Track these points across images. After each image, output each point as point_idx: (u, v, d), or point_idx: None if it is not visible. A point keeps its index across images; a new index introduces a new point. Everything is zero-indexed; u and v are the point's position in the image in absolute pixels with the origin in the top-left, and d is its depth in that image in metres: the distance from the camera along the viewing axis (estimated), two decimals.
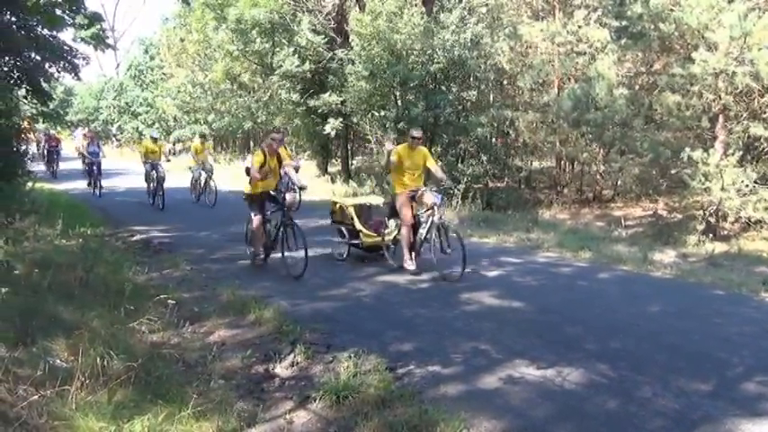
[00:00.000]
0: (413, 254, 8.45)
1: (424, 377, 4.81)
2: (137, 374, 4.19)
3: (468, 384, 4.68)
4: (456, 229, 8.63)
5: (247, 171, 8.96)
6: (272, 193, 8.85)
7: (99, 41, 11.05)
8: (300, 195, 9.57)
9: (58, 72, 12.64)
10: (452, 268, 8.05)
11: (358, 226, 9.17)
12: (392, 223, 9.06)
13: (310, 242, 8.27)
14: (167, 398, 4.11)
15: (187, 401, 3.98)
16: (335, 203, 9.81)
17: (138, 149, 19.27)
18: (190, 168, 17.52)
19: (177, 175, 20.33)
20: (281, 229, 8.52)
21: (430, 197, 8.29)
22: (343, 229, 9.42)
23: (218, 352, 5.30)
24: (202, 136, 19.68)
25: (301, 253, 8.17)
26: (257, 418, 4.15)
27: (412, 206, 8.48)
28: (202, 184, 16.58)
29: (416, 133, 8.73)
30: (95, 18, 10.73)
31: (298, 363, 5.15)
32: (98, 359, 4.20)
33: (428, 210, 8.37)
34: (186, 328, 5.99)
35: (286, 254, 8.44)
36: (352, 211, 9.32)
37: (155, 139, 16.94)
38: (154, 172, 15.73)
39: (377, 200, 10.21)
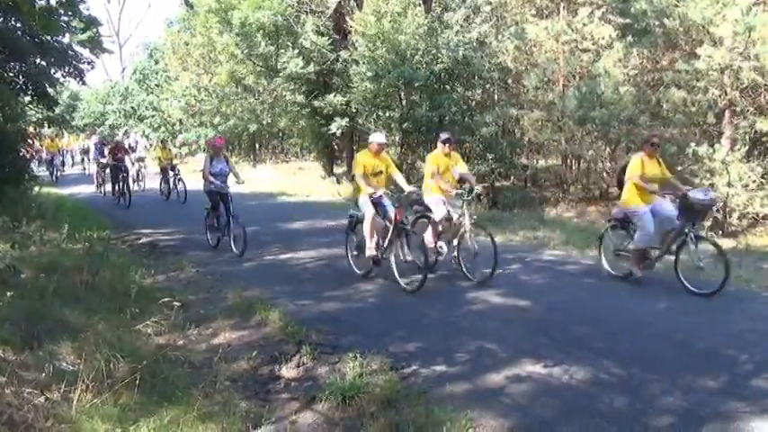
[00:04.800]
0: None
1: (430, 377, 4.80)
2: (142, 377, 4.18)
3: (475, 383, 4.66)
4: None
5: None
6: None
7: (95, 46, 11.00)
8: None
9: (64, 77, 12.69)
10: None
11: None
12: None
13: (319, 244, 8.25)
14: (173, 400, 4.11)
15: (193, 403, 3.98)
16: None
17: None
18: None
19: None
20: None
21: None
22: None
23: (223, 354, 5.29)
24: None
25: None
26: (263, 420, 4.14)
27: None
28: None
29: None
30: (91, 22, 10.69)
31: (303, 364, 5.16)
32: (104, 362, 4.22)
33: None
34: (192, 331, 5.99)
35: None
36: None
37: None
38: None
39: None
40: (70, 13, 9.80)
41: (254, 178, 22.77)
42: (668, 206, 7.60)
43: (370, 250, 7.89)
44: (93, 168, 22.13)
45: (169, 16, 55.31)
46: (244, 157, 32.58)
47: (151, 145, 35.85)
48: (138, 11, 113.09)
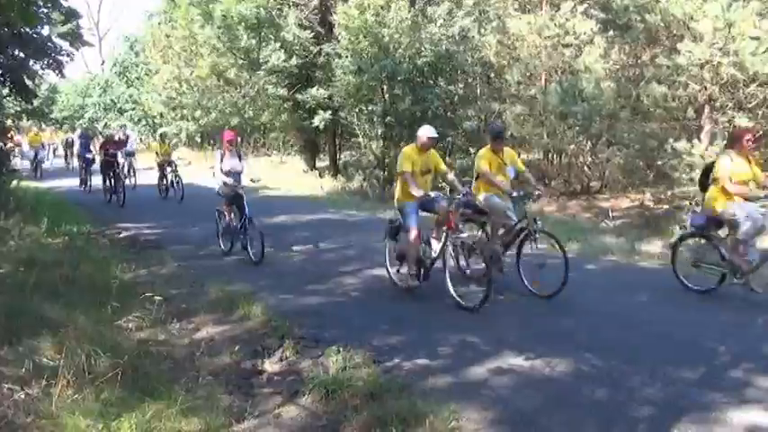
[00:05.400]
0: None
1: (413, 370, 4.81)
2: (124, 372, 4.15)
3: (457, 376, 4.68)
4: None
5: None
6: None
7: (75, 38, 10.86)
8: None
9: (42, 69, 12.55)
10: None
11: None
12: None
13: (302, 238, 8.08)
14: (155, 395, 4.08)
15: (175, 398, 3.96)
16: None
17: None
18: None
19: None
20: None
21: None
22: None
23: (206, 348, 5.28)
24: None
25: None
26: (246, 414, 4.13)
27: None
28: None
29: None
30: (71, 14, 10.55)
31: (286, 358, 5.15)
32: (84, 357, 4.17)
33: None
34: (174, 325, 5.96)
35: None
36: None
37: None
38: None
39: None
40: (50, 4, 9.68)
41: None
42: (755, 208, 6.64)
43: (412, 279, 6.96)
44: (75, 162, 21.78)
45: (149, 8, 54.75)
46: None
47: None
48: (117, 2, 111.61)
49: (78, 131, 23.09)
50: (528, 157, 20.79)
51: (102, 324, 5.31)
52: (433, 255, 6.89)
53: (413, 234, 6.77)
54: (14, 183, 12.72)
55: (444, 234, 6.72)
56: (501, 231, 7.43)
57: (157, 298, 5.72)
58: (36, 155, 23.61)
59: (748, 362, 4.84)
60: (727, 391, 4.32)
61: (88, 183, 18.26)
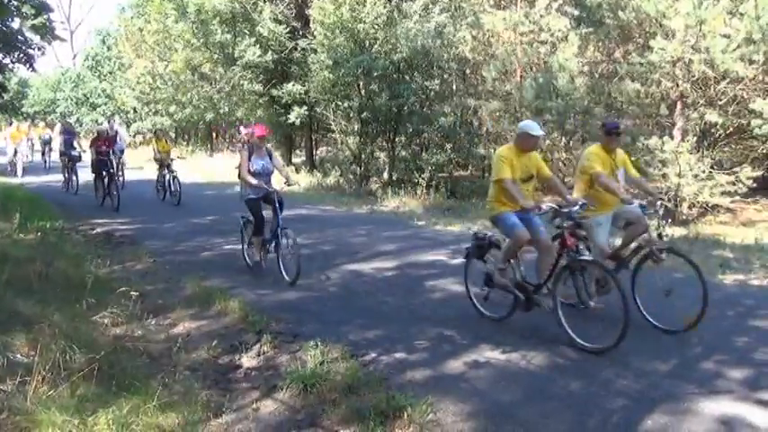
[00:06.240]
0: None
1: (391, 364, 4.84)
2: (99, 368, 4.12)
3: (434, 370, 4.72)
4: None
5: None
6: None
7: (46, 32, 10.64)
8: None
9: (12, 63, 12.32)
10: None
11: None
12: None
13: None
14: (132, 390, 4.06)
15: (152, 393, 3.94)
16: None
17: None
18: None
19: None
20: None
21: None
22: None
23: (183, 343, 5.24)
24: None
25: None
26: (224, 408, 4.13)
27: None
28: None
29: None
30: (42, 8, 10.33)
31: (264, 353, 5.14)
32: (59, 353, 4.13)
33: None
34: (150, 321, 5.92)
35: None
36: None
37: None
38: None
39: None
40: None
41: (210, 167, 22.53)
42: None
43: (519, 307, 5.65)
44: (51, 159, 20.86)
45: (122, 1, 54.07)
46: (200, 146, 32.15)
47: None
48: None
49: (59, 127, 21.34)
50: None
51: (77, 320, 5.27)
52: (538, 279, 5.59)
53: (520, 235, 5.46)
54: None
55: (556, 256, 5.45)
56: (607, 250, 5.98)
57: (133, 293, 5.68)
58: (15, 152, 21.34)
59: (721, 354, 4.93)
60: (699, 382, 4.41)
61: (74, 182, 16.48)
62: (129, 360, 4.70)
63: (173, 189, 14.27)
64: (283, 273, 7.43)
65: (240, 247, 8.32)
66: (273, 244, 7.62)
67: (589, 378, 4.51)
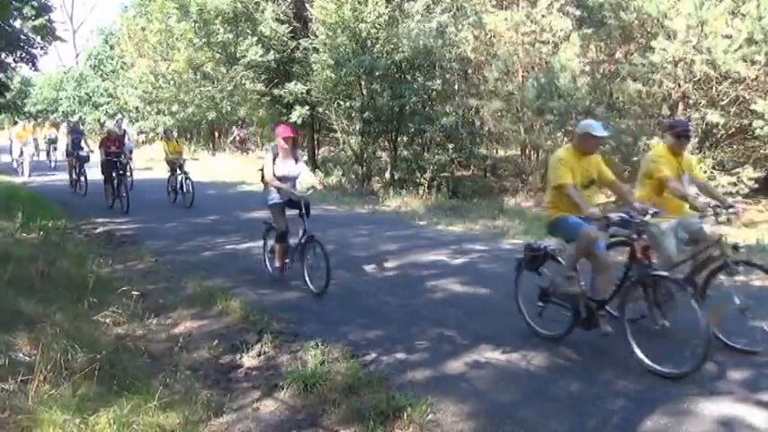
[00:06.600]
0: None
1: (391, 364, 4.85)
2: (101, 367, 4.14)
3: (435, 370, 4.73)
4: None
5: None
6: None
7: (47, 33, 10.67)
8: None
9: (15, 62, 12.37)
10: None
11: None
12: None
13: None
14: (133, 390, 4.08)
15: (153, 393, 3.95)
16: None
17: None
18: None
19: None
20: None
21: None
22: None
23: (184, 343, 5.27)
24: None
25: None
26: (224, 408, 4.14)
27: None
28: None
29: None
30: (43, 9, 10.36)
31: (265, 352, 5.16)
32: (61, 352, 4.15)
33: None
34: (152, 320, 5.94)
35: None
36: None
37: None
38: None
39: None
40: None
41: (212, 167, 22.55)
42: None
43: (586, 324, 5.08)
44: (57, 158, 20.82)
45: (124, 1, 54.07)
46: (202, 145, 32.17)
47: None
48: None
49: (66, 126, 20.88)
50: (505, 153, 20.99)
51: (79, 319, 5.29)
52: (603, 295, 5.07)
53: (589, 232, 4.94)
54: None
55: (625, 269, 5.03)
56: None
57: (135, 293, 5.70)
58: (21, 151, 20.70)
59: (721, 355, 4.92)
60: (699, 383, 4.40)
61: (83, 183, 16.01)
62: (130, 359, 4.72)
63: (185, 190, 13.90)
64: (309, 283, 6.98)
65: (262, 254, 7.86)
66: (299, 249, 7.12)
67: (589, 379, 4.51)
